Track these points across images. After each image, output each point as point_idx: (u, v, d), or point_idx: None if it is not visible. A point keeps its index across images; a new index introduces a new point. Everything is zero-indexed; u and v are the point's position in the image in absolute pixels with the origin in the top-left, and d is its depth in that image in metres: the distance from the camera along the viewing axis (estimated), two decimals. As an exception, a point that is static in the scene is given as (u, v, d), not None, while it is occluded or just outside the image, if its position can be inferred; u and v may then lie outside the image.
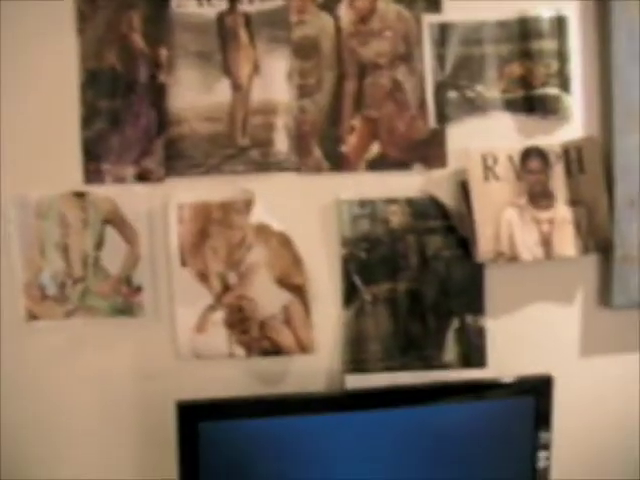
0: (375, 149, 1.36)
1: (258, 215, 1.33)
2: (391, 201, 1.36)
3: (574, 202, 1.36)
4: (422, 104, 1.36)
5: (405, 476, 1.29)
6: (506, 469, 1.31)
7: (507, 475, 1.31)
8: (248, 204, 1.34)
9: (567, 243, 1.35)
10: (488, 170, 1.34)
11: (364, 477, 1.28)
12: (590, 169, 1.35)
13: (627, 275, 1.37)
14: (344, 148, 1.35)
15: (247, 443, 1.25)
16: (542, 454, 1.31)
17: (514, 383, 1.31)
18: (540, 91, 1.35)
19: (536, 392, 1.30)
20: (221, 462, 1.24)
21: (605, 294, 1.40)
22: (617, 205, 1.36)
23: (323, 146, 1.35)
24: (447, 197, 1.37)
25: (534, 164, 1.35)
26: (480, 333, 1.39)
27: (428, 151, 1.37)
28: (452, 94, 1.36)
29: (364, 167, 1.36)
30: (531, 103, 1.36)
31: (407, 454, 1.29)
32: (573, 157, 1.36)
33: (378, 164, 1.36)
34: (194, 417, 1.23)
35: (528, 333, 1.40)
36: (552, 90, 1.35)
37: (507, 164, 1.35)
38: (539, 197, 1.36)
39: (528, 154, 1.35)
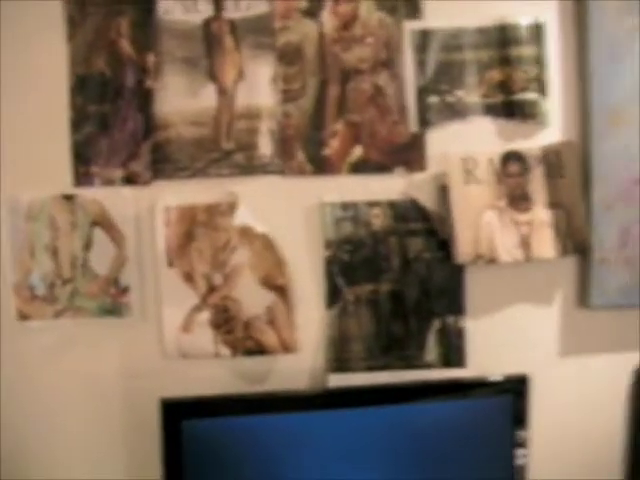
0: (357, 153, 1.39)
1: (242, 217, 1.36)
2: (373, 204, 1.39)
3: (553, 205, 1.38)
4: (403, 109, 1.38)
5: (387, 473, 1.32)
6: (485, 466, 1.34)
7: (486, 472, 1.34)
8: (232, 206, 1.36)
9: (546, 245, 1.38)
10: (468, 173, 1.37)
11: (347, 474, 1.31)
12: (568, 173, 1.38)
13: (605, 276, 1.40)
14: (327, 152, 1.38)
15: (230, 441, 1.28)
16: (520, 452, 1.33)
17: (493, 382, 1.33)
18: (519, 96, 1.38)
19: (514, 391, 1.33)
20: (205, 459, 1.27)
21: (583, 295, 1.42)
22: (595, 208, 1.39)
23: (306, 150, 1.38)
24: (428, 200, 1.39)
25: (513, 168, 1.38)
26: (460, 334, 1.42)
27: (409, 155, 1.39)
28: (433, 99, 1.39)
29: (347, 170, 1.39)
30: (510, 108, 1.38)
31: (389, 451, 1.32)
32: (552, 161, 1.38)
33: (360, 167, 1.39)
34: (178, 415, 1.26)
35: (507, 334, 1.43)
36: (531, 95, 1.38)
37: (487, 168, 1.37)
38: (518, 200, 1.38)
39: (508, 158, 1.38)
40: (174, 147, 1.37)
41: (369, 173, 1.39)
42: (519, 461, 1.34)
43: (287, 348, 1.39)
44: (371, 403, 1.31)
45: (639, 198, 1.39)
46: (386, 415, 1.31)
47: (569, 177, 1.38)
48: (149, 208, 1.37)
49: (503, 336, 1.43)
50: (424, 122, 1.39)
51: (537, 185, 1.38)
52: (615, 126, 1.38)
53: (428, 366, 1.41)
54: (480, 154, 1.37)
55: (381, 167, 1.39)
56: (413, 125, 1.39)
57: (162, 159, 1.37)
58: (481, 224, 1.37)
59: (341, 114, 1.38)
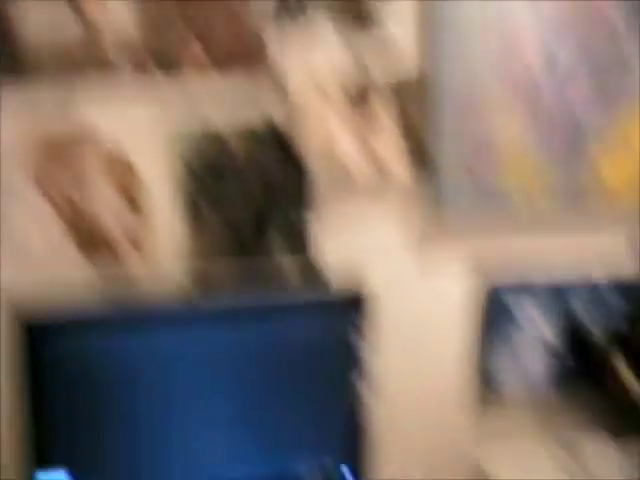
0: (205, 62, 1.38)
1: (102, 137, 1.38)
2: (229, 125, 1.39)
3: (403, 126, 1.40)
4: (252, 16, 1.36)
5: (240, 391, 1.34)
6: (329, 384, 1.36)
7: (330, 389, 1.36)
8: (92, 130, 1.38)
9: (397, 165, 1.41)
10: (319, 91, 1.38)
11: (206, 390, 1.33)
12: (418, 95, 1.40)
13: (455, 189, 1.43)
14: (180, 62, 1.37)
15: (88, 362, 1.28)
16: (365, 370, 1.36)
17: (338, 301, 1.35)
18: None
19: (359, 310, 1.34)
20: (62, 381, 1.28)
21: (435, 209, 1.45)
22: (442, 131, 1.42)
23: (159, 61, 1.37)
24: (280, 117, 1.39)
25: (365, 91, 1.39)
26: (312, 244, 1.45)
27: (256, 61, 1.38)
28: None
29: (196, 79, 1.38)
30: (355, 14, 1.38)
31: (242, 366, 1.34)
32: (402, 88, 1.40)
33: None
34: (35, 336, 1.26)
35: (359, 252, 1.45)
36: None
37: (339, 90, 1.38)
38: (370, 123, 1.39)
39: (359, 84, 1.39)
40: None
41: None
42: (364, 380, 1.36)
43: (148, 266, 1.42)
44: (232, 320, 1.32)
45: (480, 113, 1.42)
46: (238, 332, 1.33)
47: (417, 99, 1.40)
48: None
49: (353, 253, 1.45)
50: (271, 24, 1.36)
51: (387, 108, 1.40)
52: (461, 53, 1.39)
53: (279, 267, 1.44)
54: (331, 71, 1.38)
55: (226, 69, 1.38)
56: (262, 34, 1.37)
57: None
58: (331, 141, 1.39)
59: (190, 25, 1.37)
